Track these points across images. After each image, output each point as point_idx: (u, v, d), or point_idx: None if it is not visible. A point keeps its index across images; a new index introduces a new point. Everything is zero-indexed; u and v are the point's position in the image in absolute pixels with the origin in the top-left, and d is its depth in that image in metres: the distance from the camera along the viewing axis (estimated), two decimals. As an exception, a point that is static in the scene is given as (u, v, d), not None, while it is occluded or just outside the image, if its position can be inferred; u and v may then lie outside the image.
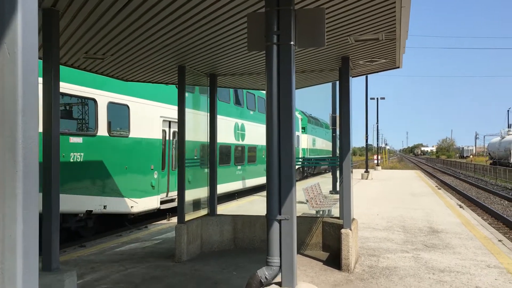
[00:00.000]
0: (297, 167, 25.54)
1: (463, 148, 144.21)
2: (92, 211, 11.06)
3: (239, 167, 20.04)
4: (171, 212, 13.34)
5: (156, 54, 7.10)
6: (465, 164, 64.78)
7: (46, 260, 5.08)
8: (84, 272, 7.31)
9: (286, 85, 4.42)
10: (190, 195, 9.22)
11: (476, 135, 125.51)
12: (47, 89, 5.18)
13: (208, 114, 9.19)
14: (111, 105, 11.85)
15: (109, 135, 11.76)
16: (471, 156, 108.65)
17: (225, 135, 18.24)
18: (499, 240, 9.93)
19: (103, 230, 12.41)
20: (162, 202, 13.63)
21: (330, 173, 25.70)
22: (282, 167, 4.45)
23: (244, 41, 6.28)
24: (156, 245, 9.51)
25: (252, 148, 21.74)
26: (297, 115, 30.74)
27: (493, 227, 13.83)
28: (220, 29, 5.79)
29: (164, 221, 13.11)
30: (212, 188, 9.12)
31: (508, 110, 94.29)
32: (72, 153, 10.56)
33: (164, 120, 13.93)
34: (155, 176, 13.19)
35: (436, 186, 26.97)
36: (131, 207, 12.14)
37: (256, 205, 16.19)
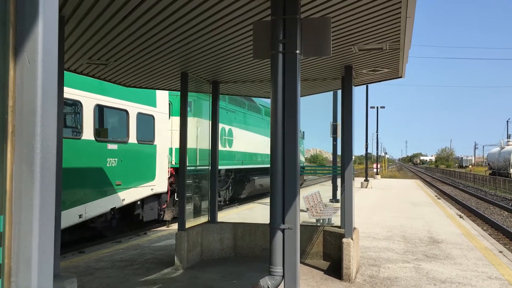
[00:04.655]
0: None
1: (462, 158, 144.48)
2: None
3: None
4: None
5: (160, 61, 7.10)
6: (464, 174, 64.83)
7: (47, 267, 5.03)
8: (84, 279, 7.26)
9: (291, 94, 4.41)
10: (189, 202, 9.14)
11: (475, 145, 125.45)
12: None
13: (210, 121, 9.17)
14: None
15: None
16: (470, 166, 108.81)
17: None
18: (500, 251, 9.89)
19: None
20: None
21: (330, 182, 23.88)
22: (286, 176, 4.43)
23: (248, 49, 6.27)
24: (156, 252, 9.46)
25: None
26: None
27: (493, 237, 13.79)
28: (225, 36, 5.78)
29: (164, 228, 13.07)
30: (213, 195, 9.08)
31: (507, 121, 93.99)
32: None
33: None
34: None
35: (436, 196, 26.93)
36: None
37: (255, 212, 16.14)
